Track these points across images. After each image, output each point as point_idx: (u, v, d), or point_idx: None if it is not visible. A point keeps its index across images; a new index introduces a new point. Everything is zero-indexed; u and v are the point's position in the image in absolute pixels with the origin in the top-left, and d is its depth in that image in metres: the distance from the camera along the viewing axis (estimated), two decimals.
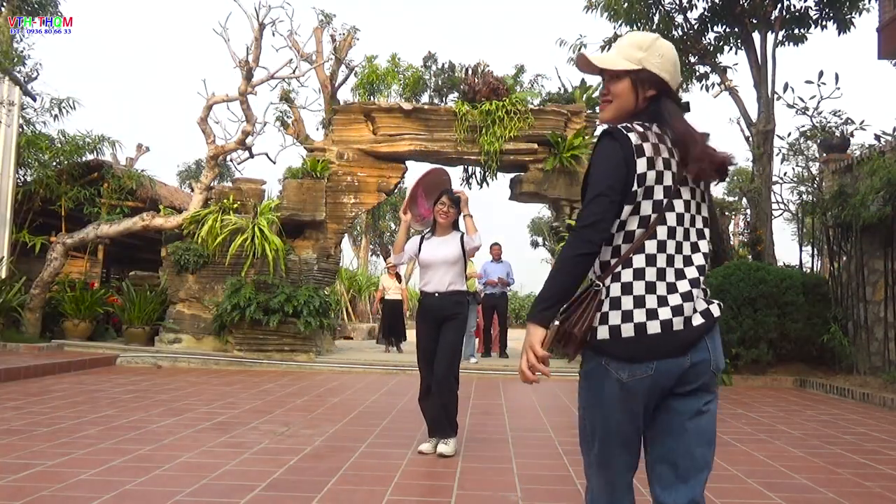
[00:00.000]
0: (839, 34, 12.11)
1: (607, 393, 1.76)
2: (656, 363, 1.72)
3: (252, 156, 11.54)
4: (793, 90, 10.29)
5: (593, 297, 1.75)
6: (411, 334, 13.35)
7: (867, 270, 9.13)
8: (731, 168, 1.87)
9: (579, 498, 3.55)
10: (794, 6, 12.14)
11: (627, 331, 1.72)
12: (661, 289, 1.75)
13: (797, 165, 11.10)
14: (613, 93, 1.90)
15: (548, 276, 1.78)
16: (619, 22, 12.99)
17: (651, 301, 1.73)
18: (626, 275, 1.76)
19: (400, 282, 12.64)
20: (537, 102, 11.38)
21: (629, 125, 1.82)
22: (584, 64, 1.95)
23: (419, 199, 4.83)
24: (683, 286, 1.76)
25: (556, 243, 13.30)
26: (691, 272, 1.79)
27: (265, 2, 10.85)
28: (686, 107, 1.94)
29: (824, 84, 9.91)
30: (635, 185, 1.76)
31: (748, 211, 13.01)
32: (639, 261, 1.76)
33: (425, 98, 11.63)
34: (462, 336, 4.76)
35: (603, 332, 1.73)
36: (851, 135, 10.16)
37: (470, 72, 11.28)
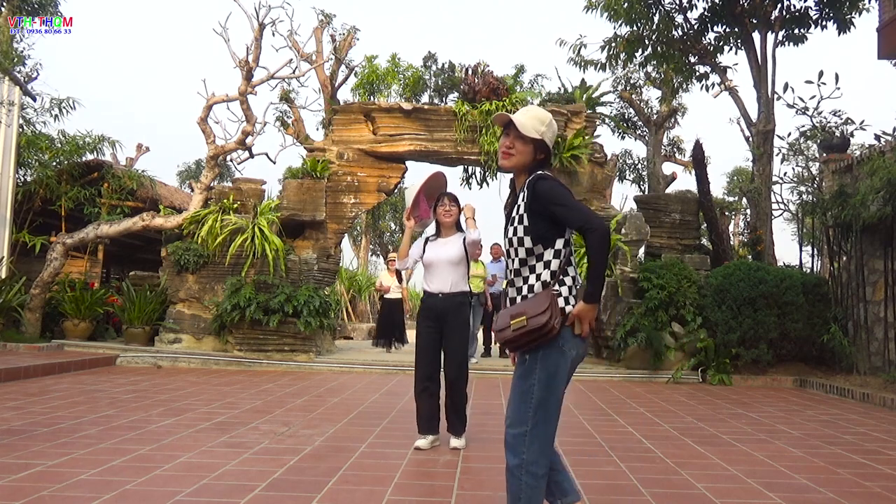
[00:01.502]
0: (839, 34, 12.12)
1: (562, 367, 2.49)
2: (586, 341, 2.57)
3: (252, 156, 11.54)
4: (793, 90, 10.30)
5: (556, 298, 2.47)
6: (411, 335, 13.20)
7: (867, 270, 9.13)
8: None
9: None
10: (794, 6, 12.15)
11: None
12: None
13: (797, 165, 11.10)
14: (518, 150, 2.58)
15: (598, 269, 2.43)
16: (619, 22, 13.01)
17: (573, 300, 2.53)
18: (567, 280, 2.52)
19: (400, 281, 12.35)
20: (537, 102, 11.37)
21: (551, 175, 2.58)
22: (502, 120, 2.61)
23: (421, 203, 4.91)
24: None
25: None
26: None
27: (265, 2, 10.85)
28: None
29: (824, 84, 9.92)
30: None
31: (748, 211, 13.02)
32: (567, 271, 2.54)
33: (425, 98, 11.63)
34: (467, 337, 4.88)
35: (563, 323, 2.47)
36: (851, 135, 10.16)
37: (470, 72, 11.28)
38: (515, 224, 2.54)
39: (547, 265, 2.50)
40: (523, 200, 2.54)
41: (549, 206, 2.48)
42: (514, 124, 2.55)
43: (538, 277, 2.51)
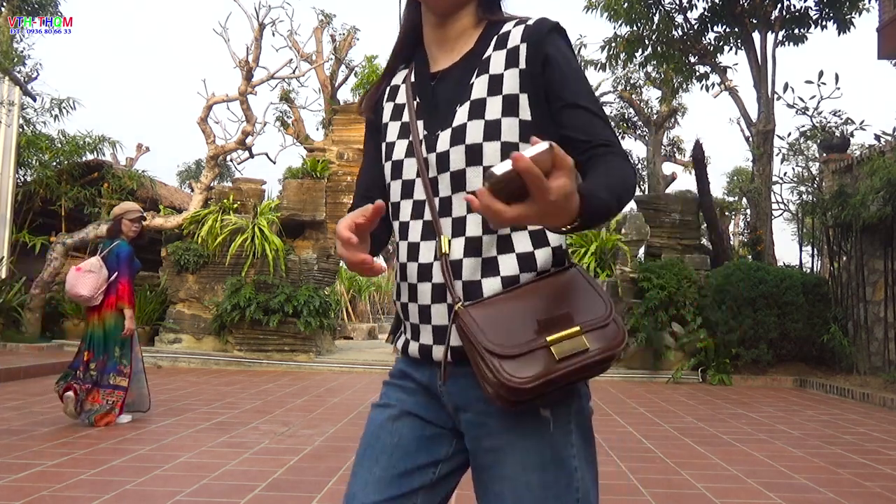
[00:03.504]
0: (839, 34, 12.12)
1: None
2: None
3: (252, 156, 11.57)
4: (793, 90, 10.34)
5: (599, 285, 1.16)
6: None
7: (867, 270, 9.13)
8: None
9: None
10: (794, 6, 12.14)
11: None
12: None
13: (797, 165, 11.12)
14: None
15: (617, 184, 1.03)
16: (619, 22, 13.01)
17: None
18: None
19: None
20: None
21: None
22: None
23: None
24: None
25: None
26: None
27: (265, 2, 10.89)
28: None
29: (824, 84, 9.93)
30: None
31: (748, 211, 13.02)
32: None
33: None
34: None
35: None
36: (851, 135, 10.18)
37: None
38: (483, 117, 1.12)
39: None
40: (514, 67, 1.13)
41: (572, 90, 1.12)
42: None
43: (538, 241, 1.12)
